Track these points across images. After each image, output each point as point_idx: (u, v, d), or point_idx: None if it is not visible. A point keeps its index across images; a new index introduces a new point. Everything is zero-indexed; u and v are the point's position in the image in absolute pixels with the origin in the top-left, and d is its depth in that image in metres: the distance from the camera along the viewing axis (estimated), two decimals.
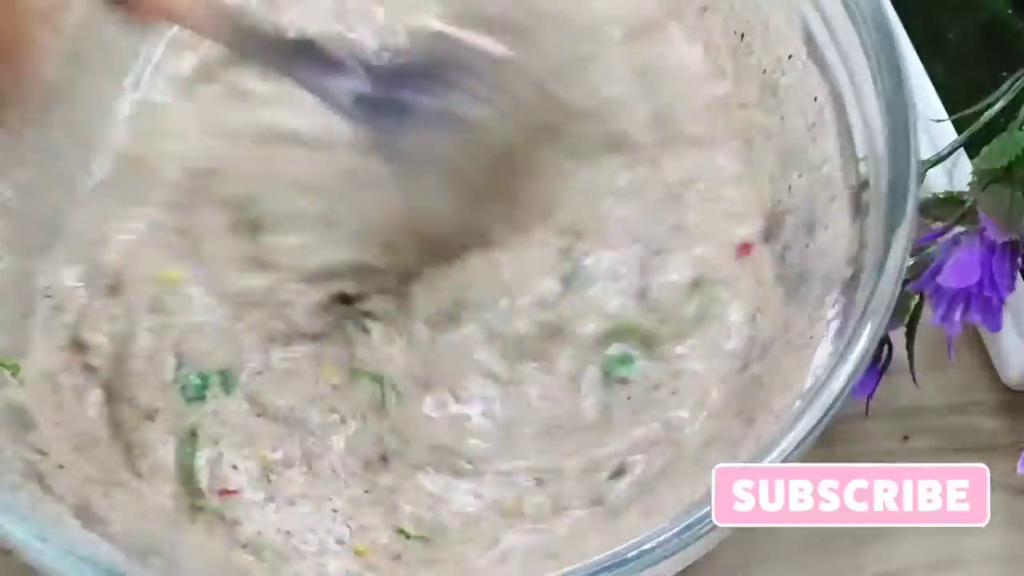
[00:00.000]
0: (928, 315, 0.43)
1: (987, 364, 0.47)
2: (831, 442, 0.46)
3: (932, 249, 0.41)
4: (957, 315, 0.39)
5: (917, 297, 0.41)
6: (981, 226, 0.39)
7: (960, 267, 0.39)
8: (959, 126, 0.45)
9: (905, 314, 0.42)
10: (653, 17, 0.46)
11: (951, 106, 0.46)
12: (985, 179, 0.39)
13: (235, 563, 0.40)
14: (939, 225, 0.41)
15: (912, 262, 0.40)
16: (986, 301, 0.39)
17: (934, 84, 0.47)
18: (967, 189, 0.40)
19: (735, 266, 0.43)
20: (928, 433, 0.47)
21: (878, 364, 0.43)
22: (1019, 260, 0.39)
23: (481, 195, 0.42)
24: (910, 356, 0.44)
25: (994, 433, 0.47)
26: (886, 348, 0.43)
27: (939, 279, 0.39)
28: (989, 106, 0.43)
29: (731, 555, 0.44)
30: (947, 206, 0.41)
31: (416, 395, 0.42)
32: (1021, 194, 0.39)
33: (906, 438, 0.47)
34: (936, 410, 0.47)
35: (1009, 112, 0.43)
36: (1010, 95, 0.43)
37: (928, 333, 0.45)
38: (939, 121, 0.46)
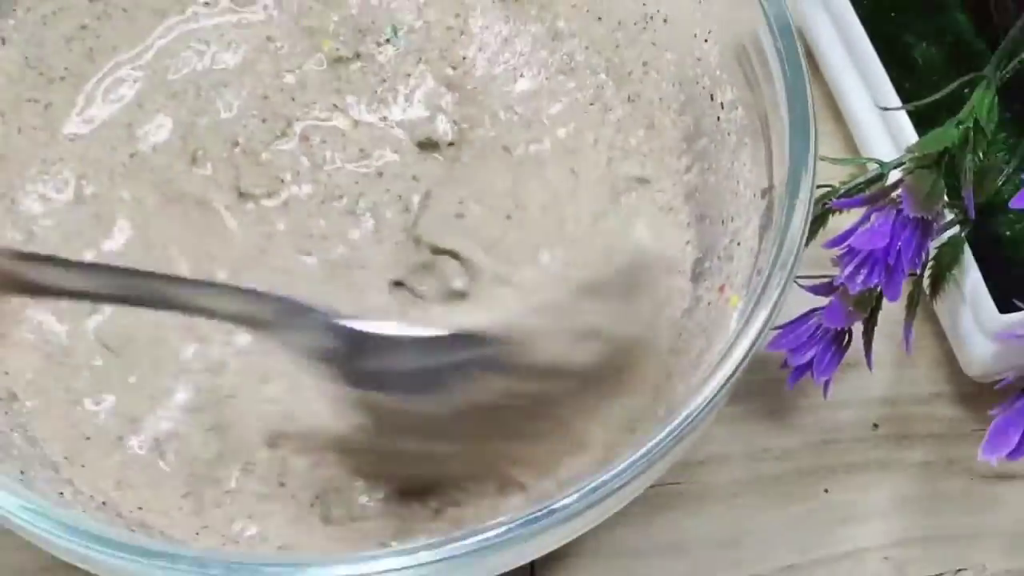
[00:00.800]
0: (893, 313, 0.47)
1: (951, 358, 0.50)
2: (806, 429, 0.50)
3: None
4: (860, 276, 0.42)
5: (877, 291, 0.44)
6: (900, 202, 0.42)
7: (873, 232, 0.42)
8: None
9: (867, 306, 0.45)
10: None
11: (917, 119, 0.49)
12: (917, 163, 0.43)
13: None
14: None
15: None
16: (891, 269, 0.42)
17: (902, 98, 0.50)
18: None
19: None
20: (896, 421, 0.50)
21: (838, 350, 0.46)
22: (927, 241, 0.43)
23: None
24: (867, 347, 0.46)
25: (957, 421, 0.50)
26: (846, 336, 0.46)
27: (851, 240, 0.42)
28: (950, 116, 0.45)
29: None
30: (877, 183, 0.45)
31: None
32: (941, 180, 0.43)
33: (876, 426, 0.50)
34: (903, 401, 0.50)
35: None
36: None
37: (895, 331, 0.48)
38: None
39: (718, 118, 0.45)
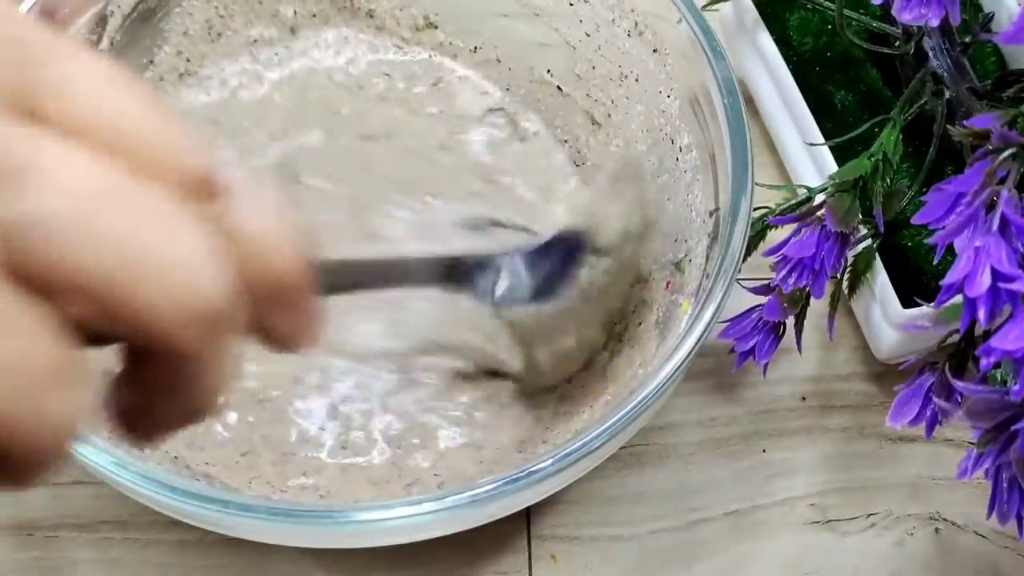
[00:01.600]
0: (818, 308, 0.45)
1: (864, 344, 0.48)
2: (748, 402, 0.47)
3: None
4: (792, 279, 0.41)
5: (806, 291, 0.42)
6: (824, 219, 0.41)
7: (802, 244, 0.41)
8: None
9: (797, 303, 0.43)
10: None
11: (836, 153, 0.47)
12: (837, 188, 0.42)
13: None
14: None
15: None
16: (817, 273, 0.41)
17: (825, 136, 0.47)
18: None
19: None
20: (820, 395, 0.48)
21: (775, 338, 0.44)
22: (846, 250, 0.41)
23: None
24: (798, 335, 0.44)
25: (869, 395, 0.48)
26: (781, 327, 0.44)
27: (785, 249, 0.41)
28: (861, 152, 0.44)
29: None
30: (805, 204, 0.44)
31: None
32: (857, 201, 0.42)
33: (804, 399, 0.48)
34: (826, 378, 0.48)
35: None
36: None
37: (820, 323, 0.46)
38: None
39: (676, 159, 0.43)
